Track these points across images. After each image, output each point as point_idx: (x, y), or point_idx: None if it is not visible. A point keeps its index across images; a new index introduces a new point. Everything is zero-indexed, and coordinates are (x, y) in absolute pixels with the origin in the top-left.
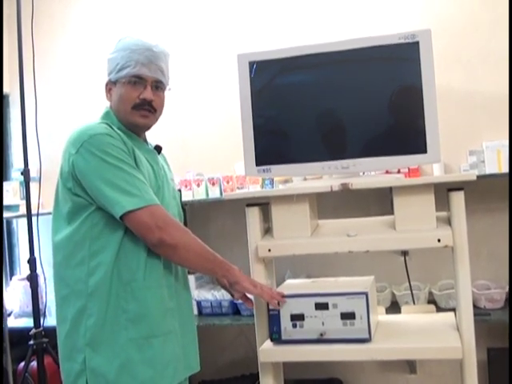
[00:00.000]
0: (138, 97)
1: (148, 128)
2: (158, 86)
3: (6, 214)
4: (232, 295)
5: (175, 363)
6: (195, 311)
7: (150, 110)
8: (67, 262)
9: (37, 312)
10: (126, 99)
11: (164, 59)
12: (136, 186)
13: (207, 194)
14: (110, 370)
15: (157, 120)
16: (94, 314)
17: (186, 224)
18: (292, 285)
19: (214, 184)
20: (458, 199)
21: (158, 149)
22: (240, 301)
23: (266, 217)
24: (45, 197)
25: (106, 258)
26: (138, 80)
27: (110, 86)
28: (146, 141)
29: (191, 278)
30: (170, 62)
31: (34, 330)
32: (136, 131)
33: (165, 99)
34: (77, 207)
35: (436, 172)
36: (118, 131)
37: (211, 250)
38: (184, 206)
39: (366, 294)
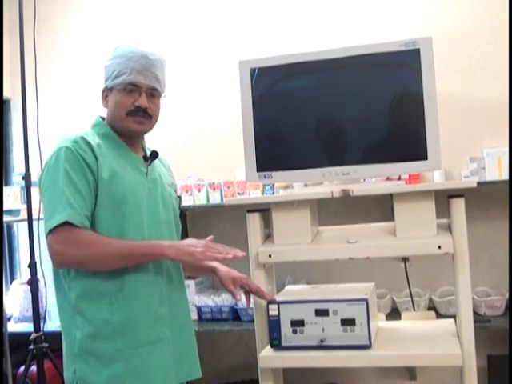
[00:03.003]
0: (132, 104)
1: (144, 133)
2: (154, 93)
3: (6, 219)
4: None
5: (166, 371)
6: (195, 317)
7: (144, 116)
8: (56, 272)
9: (37, 316)
10: (121, 106)
11: (160, 67)
12: (61, 202)
13: (208, 200)
14: (100, 381)
15: (153, 126)
16: (79, 327)
17: (186, 229)
18: (292, 291)
19: (214, 189)
20: (458, 206)
21: (155, 154)
22: (241, 306)
23: (267, 222)
24: None
25: (85, 271)
26: (133, 87)
27: (107, 92)
28: (143, 147)
29: (191, 284)
30: (169, 69)
31: (34, 335)
32: (131, 137)
33: (160, 106)
34: None
35: (437, 179)
36: (98, 140)
37: (127, 243)
38: (185, 211)
39: (367, 301)
